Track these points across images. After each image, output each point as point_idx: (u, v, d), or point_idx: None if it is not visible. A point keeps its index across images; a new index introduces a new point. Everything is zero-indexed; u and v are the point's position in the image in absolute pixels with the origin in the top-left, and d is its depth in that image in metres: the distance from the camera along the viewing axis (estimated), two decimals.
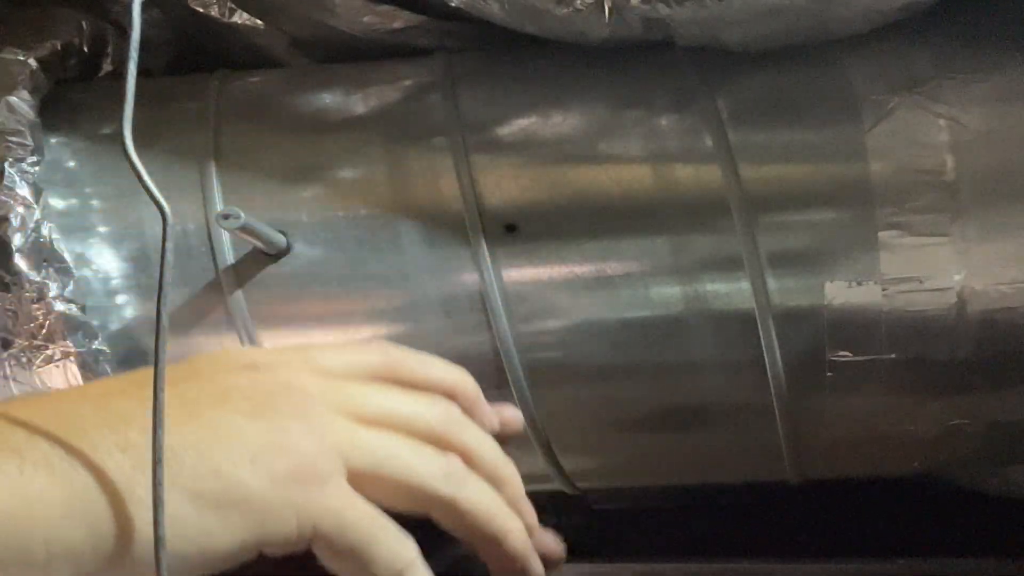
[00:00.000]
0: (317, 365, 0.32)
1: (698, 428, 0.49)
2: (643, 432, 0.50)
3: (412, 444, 0.30)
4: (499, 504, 0.32)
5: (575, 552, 0.71)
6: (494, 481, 0.33)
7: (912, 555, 0.60)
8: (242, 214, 0.41)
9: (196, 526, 0.26)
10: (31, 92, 0.47)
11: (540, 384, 0.47)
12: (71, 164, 0.48)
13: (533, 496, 0.43)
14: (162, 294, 0.31)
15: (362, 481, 0.29)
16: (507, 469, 0.34)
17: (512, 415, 0.40)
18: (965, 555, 0.60)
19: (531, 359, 0.46)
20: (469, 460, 0.32)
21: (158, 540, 0.26)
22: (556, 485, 0.54)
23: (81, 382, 0.46)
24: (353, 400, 0.30)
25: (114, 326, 0.47)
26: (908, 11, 0.42)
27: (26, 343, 0.46)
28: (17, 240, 0.44)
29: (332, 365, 0.32)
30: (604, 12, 0.44)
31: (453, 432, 0.32)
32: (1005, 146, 0.42)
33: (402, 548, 0.29)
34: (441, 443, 0.31)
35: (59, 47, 0.51)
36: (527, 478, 0.44)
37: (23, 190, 0.45)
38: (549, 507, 0.75)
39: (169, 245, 0.34)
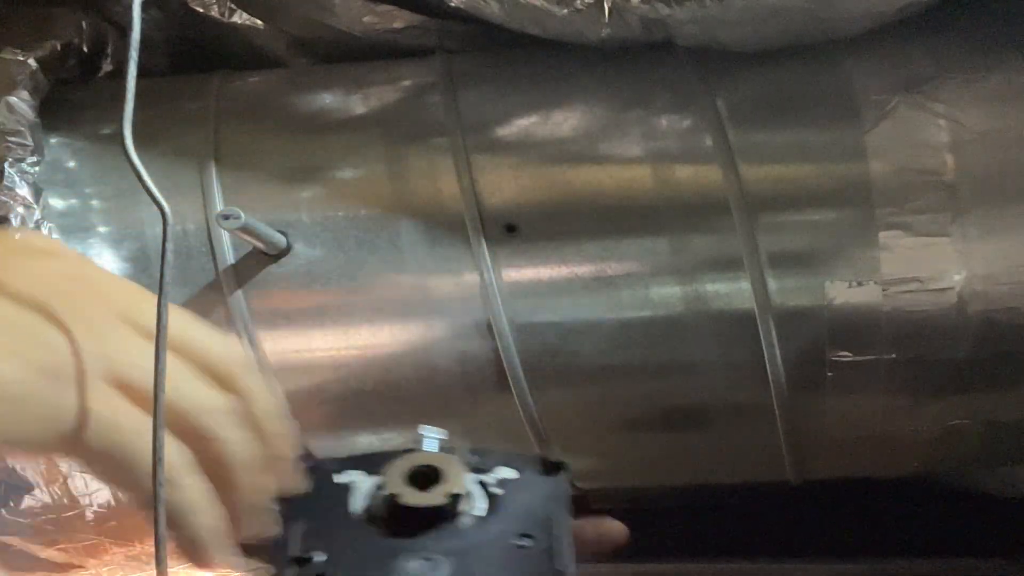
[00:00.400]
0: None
1: (698, 428, 0.50)
2: (643, 432, 0.50)
3: (190, 370, 0.28)
4: (256, 464, 0.29)
5: None
6: (262, 438, 0.29)
7: (912, 556, 0.60)
8: (242, 214, 0.41)
9: None
10: (31, 92, 0.47)
11: (540, 384, 0.47)
12: (71, 164, 0.48)
13: None
14: (162, 295, 0.31)
15: (130, 394, 0.27)
16: (279, 431, 0.30)
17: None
18: (965, 555, 0.60)
19: (531, 359, 0.46)
20: (246, 407, 0.29)
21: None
22: None
23: None
24: (142, 311, 0.28)
25: None
26: (907, 11, 0.42)
27: None
28: None
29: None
30: (604, 12, 0.44)
31: (237, 374, 0.29)
32: (1005, 146, 0.43)
33: (169, 454, 0.26)
34: (223, 381, 0.28)
35: (59, 47, 0.51)
36: None
37: (23, 190, 0.45)
38: None
39: (169, 245, 0.33)
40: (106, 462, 0.26)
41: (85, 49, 0.53)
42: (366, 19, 0.51)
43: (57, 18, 0.53)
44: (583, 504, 0.74)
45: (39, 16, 0.54)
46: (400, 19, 0.50)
